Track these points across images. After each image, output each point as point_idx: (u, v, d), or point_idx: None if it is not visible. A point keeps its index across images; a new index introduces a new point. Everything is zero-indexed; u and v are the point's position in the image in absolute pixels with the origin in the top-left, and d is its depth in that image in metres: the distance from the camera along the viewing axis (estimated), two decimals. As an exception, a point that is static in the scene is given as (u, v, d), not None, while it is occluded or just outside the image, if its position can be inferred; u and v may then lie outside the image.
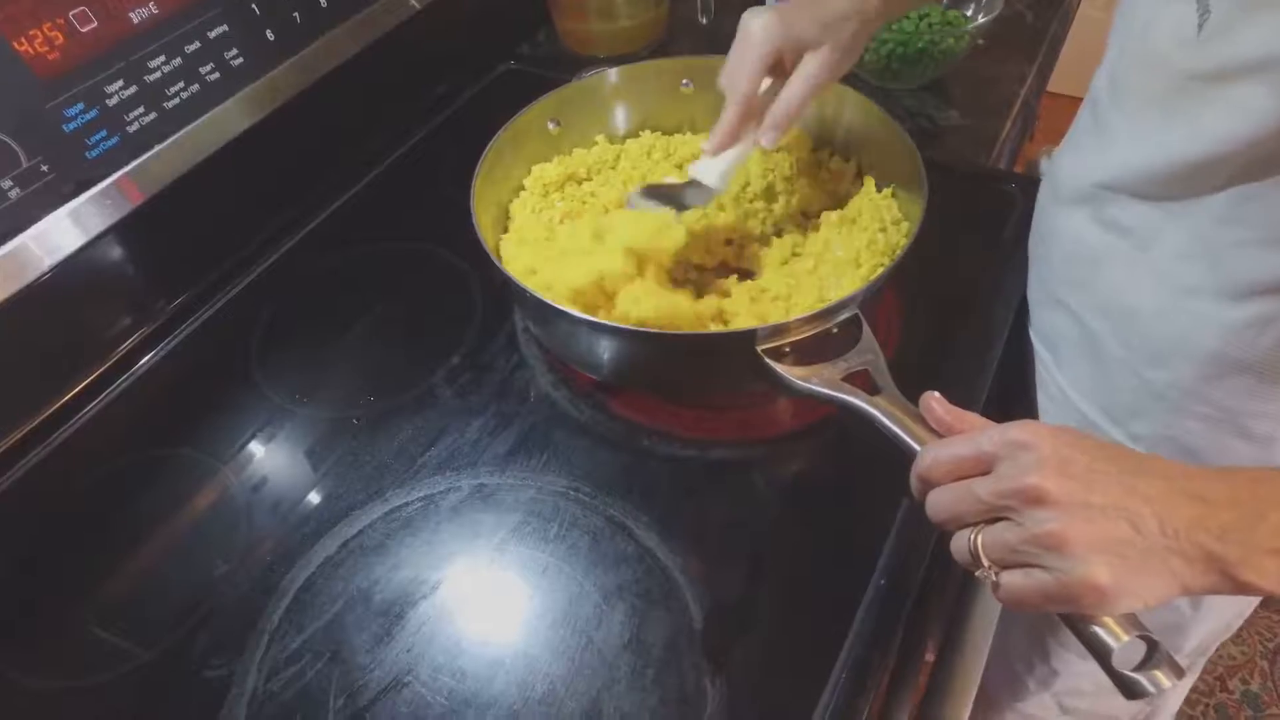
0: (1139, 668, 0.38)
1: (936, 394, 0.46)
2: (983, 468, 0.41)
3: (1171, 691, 0.99)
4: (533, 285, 0.60)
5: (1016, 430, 0.40)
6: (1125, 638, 0.37)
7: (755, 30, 0.61)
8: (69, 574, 0.62)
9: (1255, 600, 0.76)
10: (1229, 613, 0.75)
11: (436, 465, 0.65)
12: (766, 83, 0.63)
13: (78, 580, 0.61)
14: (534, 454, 0.65)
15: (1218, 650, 1.42)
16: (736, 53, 0.62)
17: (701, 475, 0.64)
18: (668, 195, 0.67)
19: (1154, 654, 0.37)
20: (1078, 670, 0.83)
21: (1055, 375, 0.69)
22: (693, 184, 0.65)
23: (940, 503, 0.42)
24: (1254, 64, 0.45)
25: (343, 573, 0.59)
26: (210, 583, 0.60)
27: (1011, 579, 0.40)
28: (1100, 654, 0.38)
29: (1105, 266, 0.61)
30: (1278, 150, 0.46)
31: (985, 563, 0.40)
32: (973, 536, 0.41)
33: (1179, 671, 0.38)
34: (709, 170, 0.64)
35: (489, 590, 0.58)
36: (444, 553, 0.60)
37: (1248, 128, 0.47)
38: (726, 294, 0.64)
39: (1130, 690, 0.38)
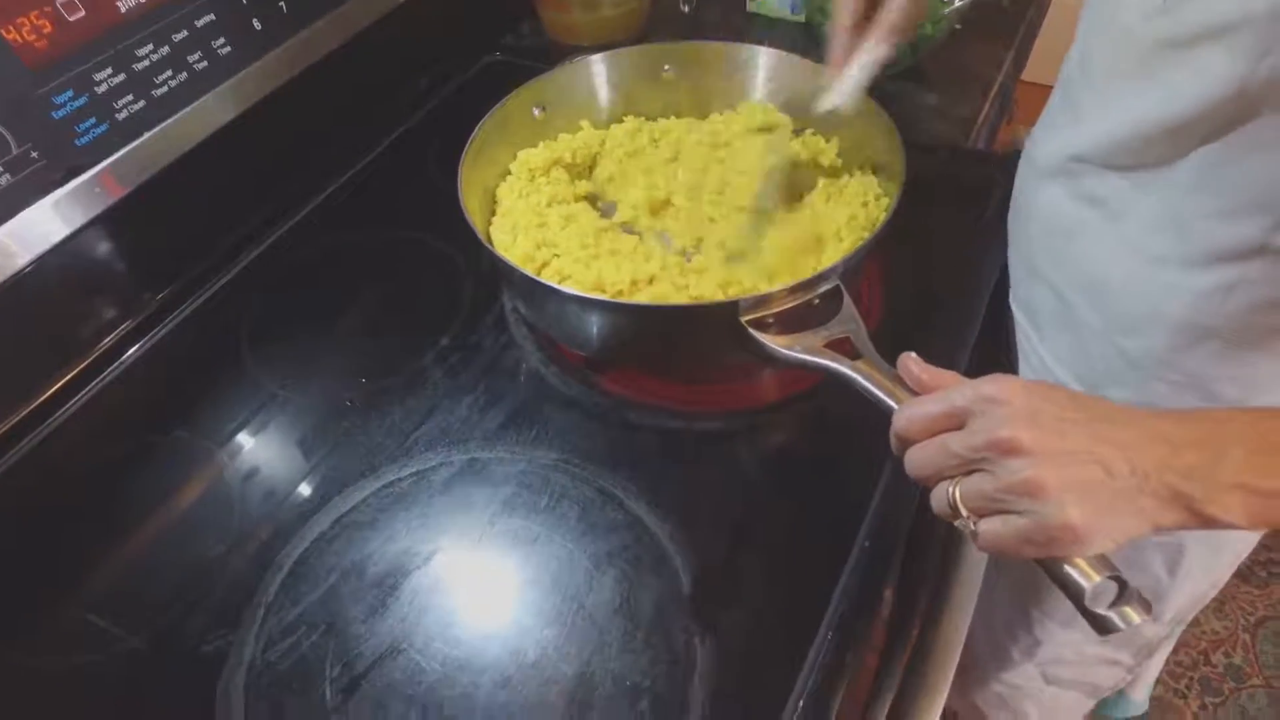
0: (1110, 606, 0.39)
1: (914, 355, 0.48)
2: (956, 423, 0.42)
3: (1150, 662, 1.00)
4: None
5: (988, 385, 0.42)
6: (1097, 578, 0.39)
7: None
8: (67, 558, 0.62)
9: (1230, 569, 0.78)
10: (1204, 582, 0.77)
11: (428, 442, 0.66)
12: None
13: (76, 564, 0.62)
14: (524, 429, 0.66)
15: (1201, 625, 1.44)
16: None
17: (689, 446, 0.65)
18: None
19: (1124, 592, 0.39)
20: (1061, 640, 0.85)
21: (1037, 347, 0.70)
22: (828, 111, 0.66)
23: (918, 459, 0.44)
24: (1215, 29, 0.47)
25: (337, 547, 0.60)
26: (207, 561, 0.61)
27: (990, 526, 0.41)
28: (1074, 594, 0.39)
29: (1079, 239, 0.62)
30: (1237, 113, 0.47)
31: (964, 513, 0.42)
32: (951, 489, 0.42)
33: (1147, 608, 0.39)
34: (837, 92, 0.65)
35: (481, 560, 0.59)
36: (437, 525, 0.61)
37: (1210, 91, 0.48)
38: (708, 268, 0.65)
39: (1102, 626, 0.39)
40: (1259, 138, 0.48)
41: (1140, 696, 1.20)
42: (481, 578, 0.58)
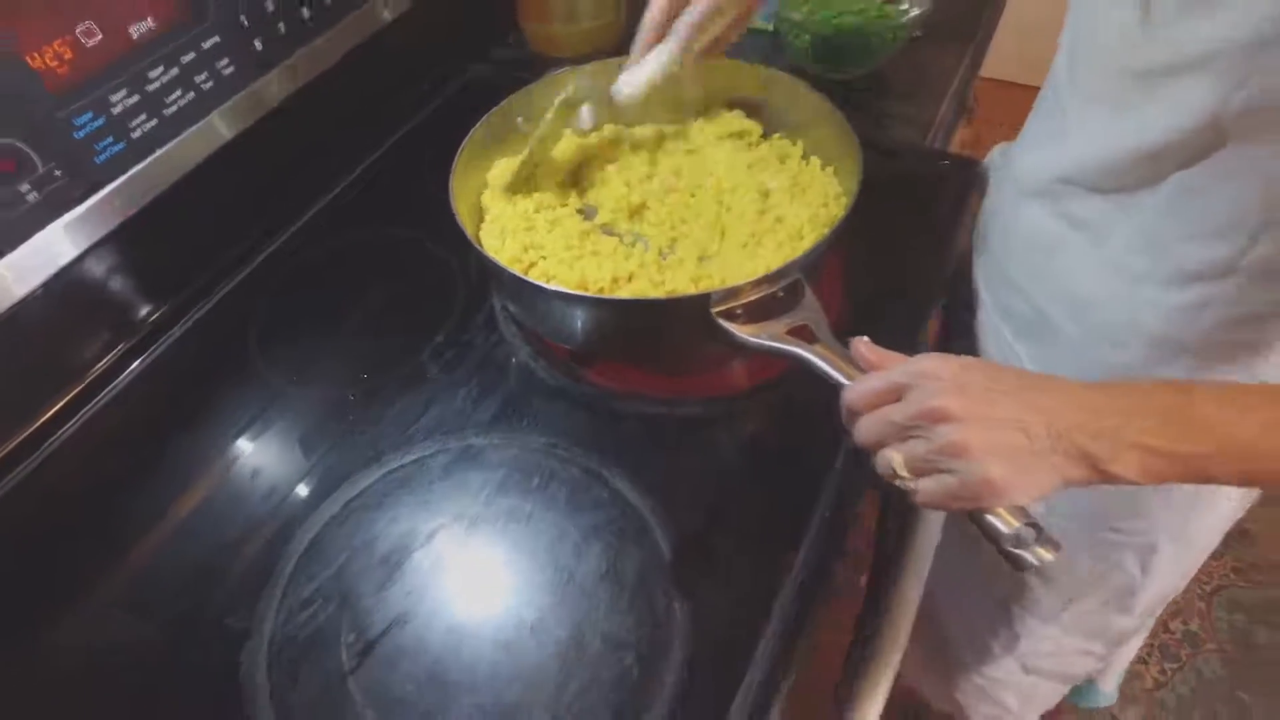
0: (1025, 547, 0.45)
1: (865, 339, 0.54)
2: (896, 396, 0.48)
3: (1120, 651, 1.05)
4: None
5: (923, 362, 0.47)
6: (1016, 524, 0.45)
7: None
8: (98, 549, 0.67)
9: (1197, 565, 0.83)
10: (1174, 577, 0.82)
11: (427, 431, 0.71)
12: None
13: (106, 556, 0.67)
14: (515, 418, 0.72)
15: (1160, 593, 1.51)
16: None
17: (668, 430, 0.71)
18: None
19: (1040, 536, 0.45)
20: (1040, 634, 0.89)
21: (1015, 346, 0.75)
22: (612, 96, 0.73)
23: (864, 428, 0.49)
24: (1192, 61, 0.50)
25: (347, 529, 0.66)
26: (227, 548, 0.66)
27: (925, 484, 0.47)
28: (995, 538, 0.45)
29: (1061, 255, 0.67)
30: (1209, 143, 0.52)
31: (904, 474, 0.48)
32: (892, 453, 0.48)
33: (1056, 546, 0.45)
34: (623, 82, 0.73)
35: (479, 537, 0.64)
36: (437, 506, 0.66)
37: (1184, 122, 0.52)
38: (682, 263, 0.70)
39: (1019, 565, 0.45)
40: (1229, 166, 0.52)
41: (1109, 687, 1.24)
42: (479, 552, 0.64)
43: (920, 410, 0.46)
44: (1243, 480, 0.48)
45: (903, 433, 0.47)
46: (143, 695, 0.60)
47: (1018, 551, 0.45)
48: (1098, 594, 0.81)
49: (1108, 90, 0.58)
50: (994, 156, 0.85)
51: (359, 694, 0.57)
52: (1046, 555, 0.45)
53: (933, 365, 0.47)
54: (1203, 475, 0.46)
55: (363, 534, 0.65)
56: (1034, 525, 0.45)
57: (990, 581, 0.89)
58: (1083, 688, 1.19)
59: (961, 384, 0.46)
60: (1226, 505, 0.75)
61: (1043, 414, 0.45)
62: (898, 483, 0.48)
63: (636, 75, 0.71)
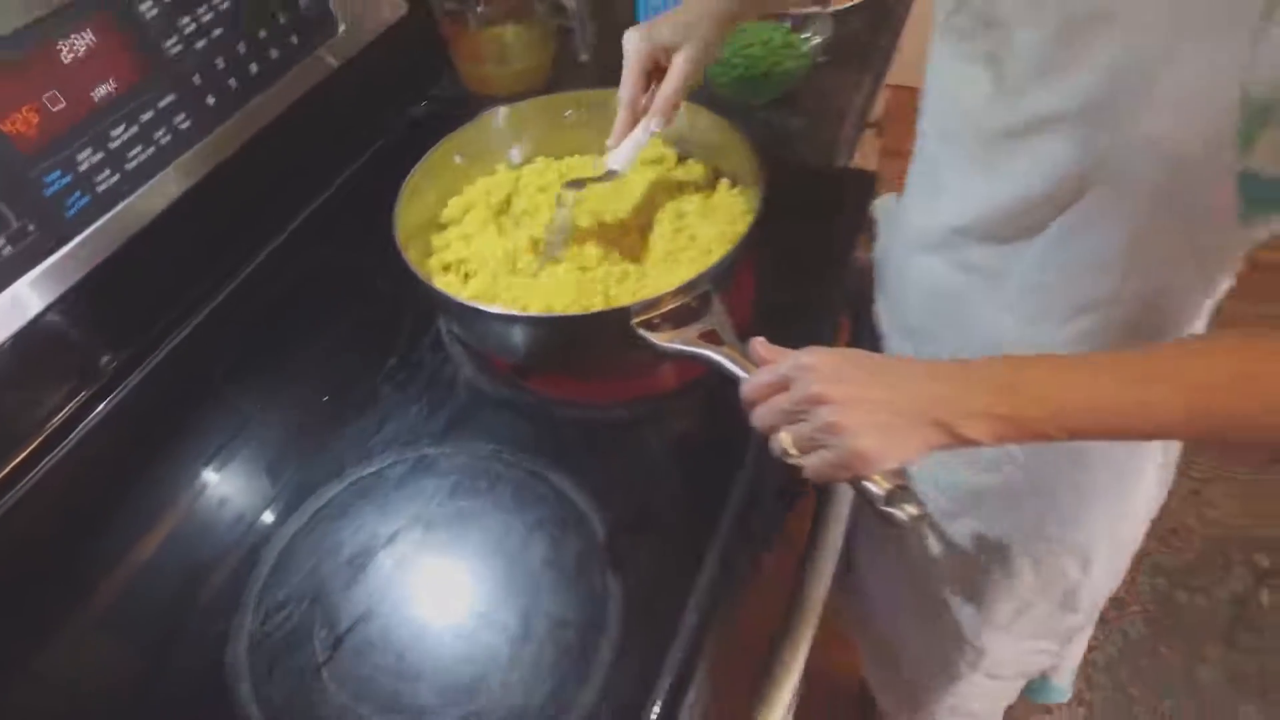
0: (896, 506, 0.53)
1: (761, 339, 0.61)
2: (785, 386, 0.56)
3: (1071, 648, 1.08)
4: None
5: (804, 355, 0.56)
6: (887, 485, 0.53)
7: (629, 45, 0.76)
8: (85, 568, 0.73)
9: (1128, 562, 0.87)
10: (1111, 573, 0.87)
11: (384, 445, 0.78)
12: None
13: (94, 576, 0.73)
14: (463, 429, 0.79)
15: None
16: (624, 66, 0.77)
17: (602, 431, 0.79)
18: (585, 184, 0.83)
19: (906, 495, 0.53)
20: (1002, 643, 0.93)
21: None
22: (607, 172, 0.80)
23: (759, 416, 0.57)
24: (1045, 121, 0.56)
25: (314, 537, 0.72)
26: (204, 563, 0.72)
27: (811, 460, 0.55)
28: (871, 500, 0.53)
29: (961, 303, 0.72)
30: (1077, 191, 0.57)
31: (793, 452, 0.56)
32: (783, 435, 0.56)
33: (920, 504, 0.53)
34: (614, 158, 0.79)
35: (434, 536, 0.71)
36: (395, 511, 0.73)
37: (1051, 173, 0.58)
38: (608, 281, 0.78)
39: (890, 521, 0.53)
40: (1097, 210, 0.57)
41: (1064, 682, 1.24)
42: (435, 550, 0.71)
43: (802, 397, 0.54)
44: (1070, 437, 0.55)
45: (790, 417, 0.55)
46: (132, 699, 0.66)
47: (889, 509, 0.53)
48: (1047, 598, 0.86)
49: (976, 151, 0.64)
50: (879, 206, 0.92)
51: (333, 682, 0.63)
52: (913, 510, 0.53)
53: (812, 358, 0.55)
54: (1040, 435, 0.54)
55: (329, 541, 0.72)
56: (903, 488, 0.53)
57: (948, 608, 0.93)
58: (1038, 684, 1.21)
59: (836, 372, 0.54)
60: (1145, 509, 0.82)
61: (906, 391, 0.53)
62: (789, 460, 0.56)
63: (625, 152, 0.79)
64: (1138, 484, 0.79)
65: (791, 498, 0.78)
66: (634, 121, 0.78)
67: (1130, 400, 0.53)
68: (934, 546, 0.89)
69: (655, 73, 0.78)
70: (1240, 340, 0.53)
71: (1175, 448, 0.82)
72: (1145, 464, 0.78)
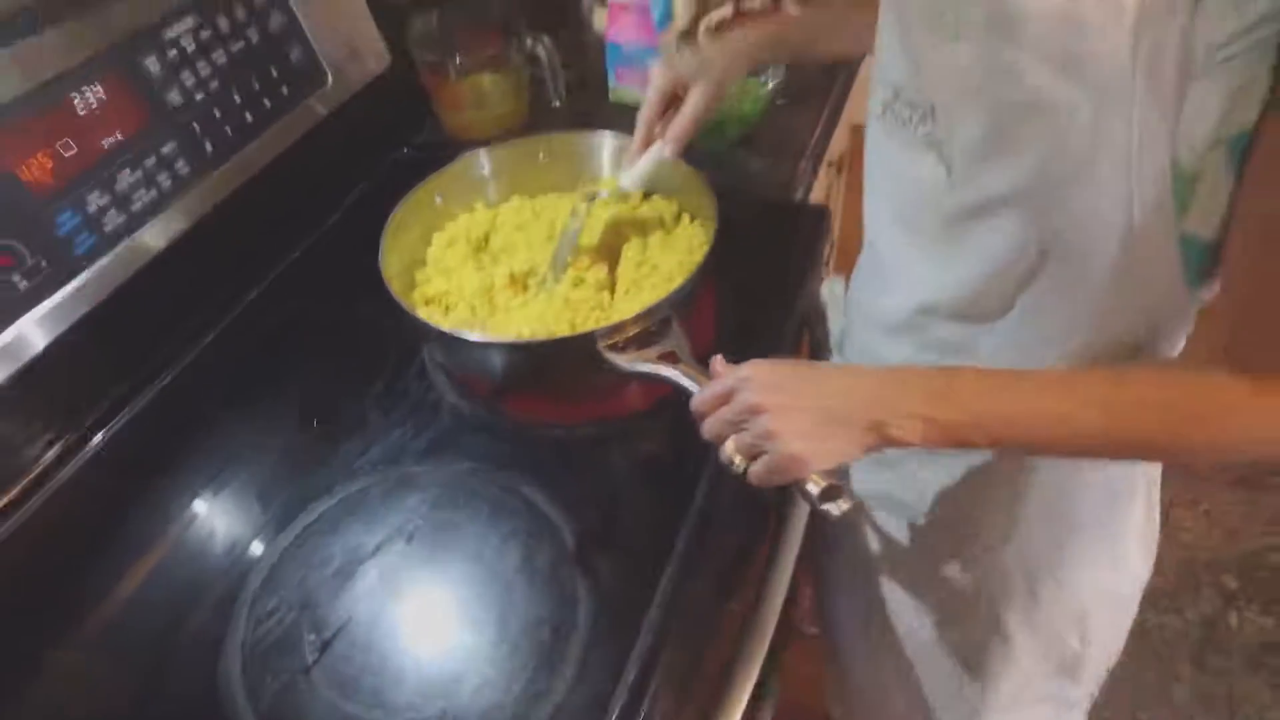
0: (830, 502, 0.59)
1: (719, 356, 0.67)
2: (728, 399, 0.62)
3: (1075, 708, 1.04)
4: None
5: (744, 369, 0.62)
6: (822, 484, 0.59)
7: (653, 75, 0.84)
8: (85, 584, 0.78)
9: (1125, 630, 0.88)
10: (1110, 644, 0.88)
11: (370, 465, 0.83)
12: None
13: (96, 589, 0.78)
14: (444, 449, 0.84)
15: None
16: (648, 92, 0.85)
17: (572, 449, 0.84)
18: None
19: (839, 492, 0.59)
20: (991, 703, 0.91)
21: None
22: (619, 189, 0.88)
23: (707, 427, 0.63)
24: (995, 200, 0.59)
25: (304, 550, 0.77)
26: (200, 577, 0.77)
27: (754, 467, 0.60)
28: (808, 498, 0.59)
29: None
30: (1036, 265, 0.60)
31: (737, 459, 0.61)
32: (729, 444, 0.62)
33: (852, 499, 0.59)
34: (626, 178, 0.88)
35: (415, 548, 0.76)
36: (380, 525, 0.78)
37: (1009, 249, 0.60)
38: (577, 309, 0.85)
39: (826, 516, 0.59)
40: (1058, 282, 0.60)
41: None
42: (416, 561, 0.76)
43: (742, 407, 0.60)
44: (994, 444, 0.59)
45: (733, 427, 0.61)
46: (131, 705, 0.71)
47: (824, 506, 0.59)
48: (1046, 667, 0.86)
49: (935, 232, 0.66)
50: (826, 292, 0.97)
51: (322, 682, 0.68)
52: (845, 505, 0.59)
53: (750, 370, 0.61)
54: (965, 440, 0.57)
55: (318, 553, 0.77)
56: (835, 486, 0.59)
57: (950, 691, 0.93)
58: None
59: (772, 382, 0.60)
60: (1137, 567, 0.83)
61: (838, 396, 0.59)
62: (734, 468, 0.62)
63: (637, 172, 0.87)
64: (1124, 532, 0.81)
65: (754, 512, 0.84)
66: (647, 142, 0.86)
67: (1050, 412, 0.57)
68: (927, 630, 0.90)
69: (674, 102, 0.85)
70: (1159, 371, 0.56)
71: (1156, 509, 0.84)
72: (1130, 514, 0.80)
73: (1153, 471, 0.80)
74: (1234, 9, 0.44)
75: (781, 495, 0.90)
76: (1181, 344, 0.66)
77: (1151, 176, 0.51)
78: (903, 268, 0.72)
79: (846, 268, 0.91)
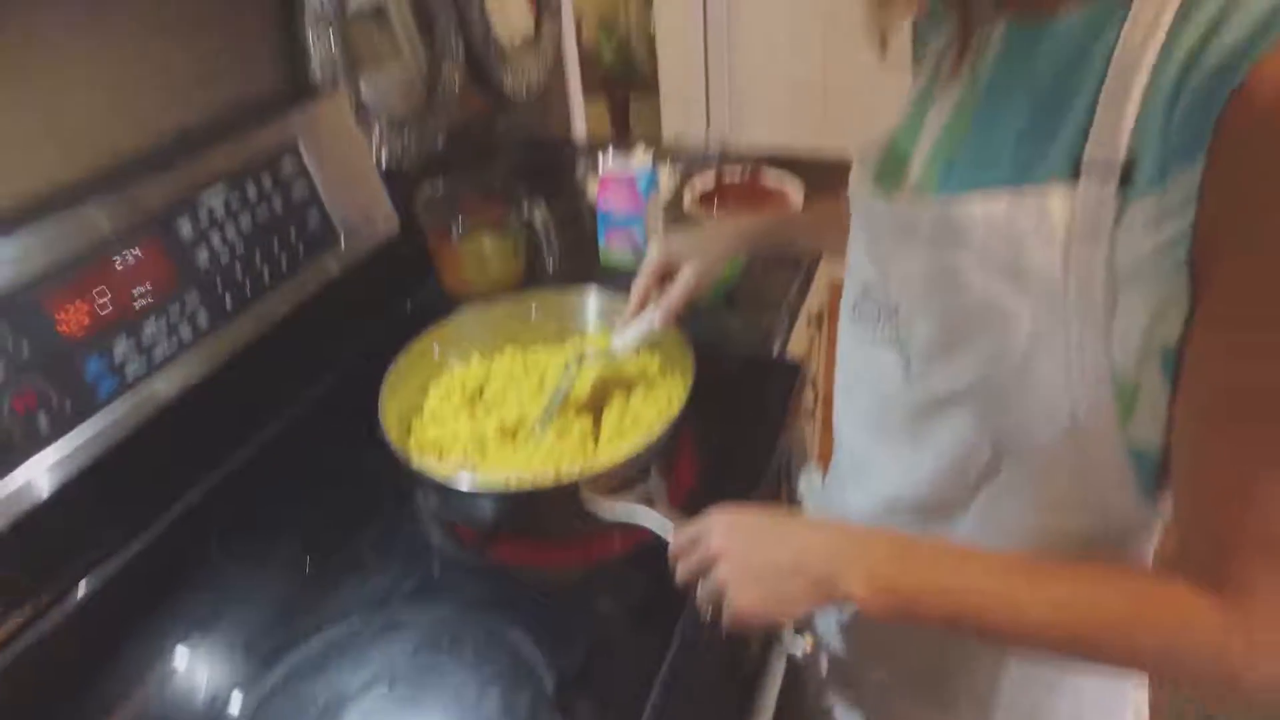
0: (795, 645, 0.62)
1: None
2: (693, 546, 0.67)
3: None
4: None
5: (709, 518, 0.66)
6: (794, 633, 0.62)
7: (649, 250, 0.93)
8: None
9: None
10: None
11: (359, 607, 0.86)
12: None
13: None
14: (432, 591, 0.88)
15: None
16: (641, 268, 0.93)
17: (555, 592, 0.88)
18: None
19: (802, 633, 0.62)
20: None
21: None
22: (610, 352, 0.96)
23: (679, 572, 0.68)
24: (950, 399, 0.60)
25: (290, 690, 0.79)
26: (189, 713, 0.79)
27: (722, 615, 0.64)
28: (778, 639, 0.63)
29: None
30: (992, 463, 0.60)
31: (706, 606, 0.65)
32: (699, 591, 0.66)
33: (814, 640, 0.62)
34: (618, 342, 0.95)
35: (400, 690, 0.78)
36: (364, 669, 0.80)
37: (963, 448, 0.61)
38: (561, 458, 0.90)
39: (791, 659, 0.62)
40: (1014, 481, 0.60)
41: None
42: (397, 706, 0.78)
43: (702, 557, 0.64)
44: (944, 622, 0.57)
45: (700, 574, 0.65)
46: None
47: (791, 651, 0.63)
48: None
49: (895, 429, 0.67)
50: (804, 484, 1.01)
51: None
52: (806, 645, 0.62)
53: (712, 519, 0.66)
54: (915, 610, 0.57)
55: (306, 692, 0.79)
56: (804, 630, 0.63)
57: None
58: None
59: (729, 531, 0.64)
60: None
61: (793, 548, 0.61)
62: (704, 615, 0.66)
63: (629, 336, 0.94)
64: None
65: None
66: (641, 306, 0.94)
67: (1004, 596, 0.55)
68: None
69: (667, 277, 0.94)
70: (1122, 574, 0.55)
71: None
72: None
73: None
74: (1152, 228, 0.47)
75: (765, 638, 0.93)
76: (1149, 548, 0.65)
77: (1090, 384, 0.52)
78: (868, 464, 0.73)
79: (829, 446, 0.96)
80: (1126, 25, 0.46)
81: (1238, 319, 0.46)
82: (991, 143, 0.56)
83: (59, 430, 0.83)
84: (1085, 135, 0.49)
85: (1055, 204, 0.50)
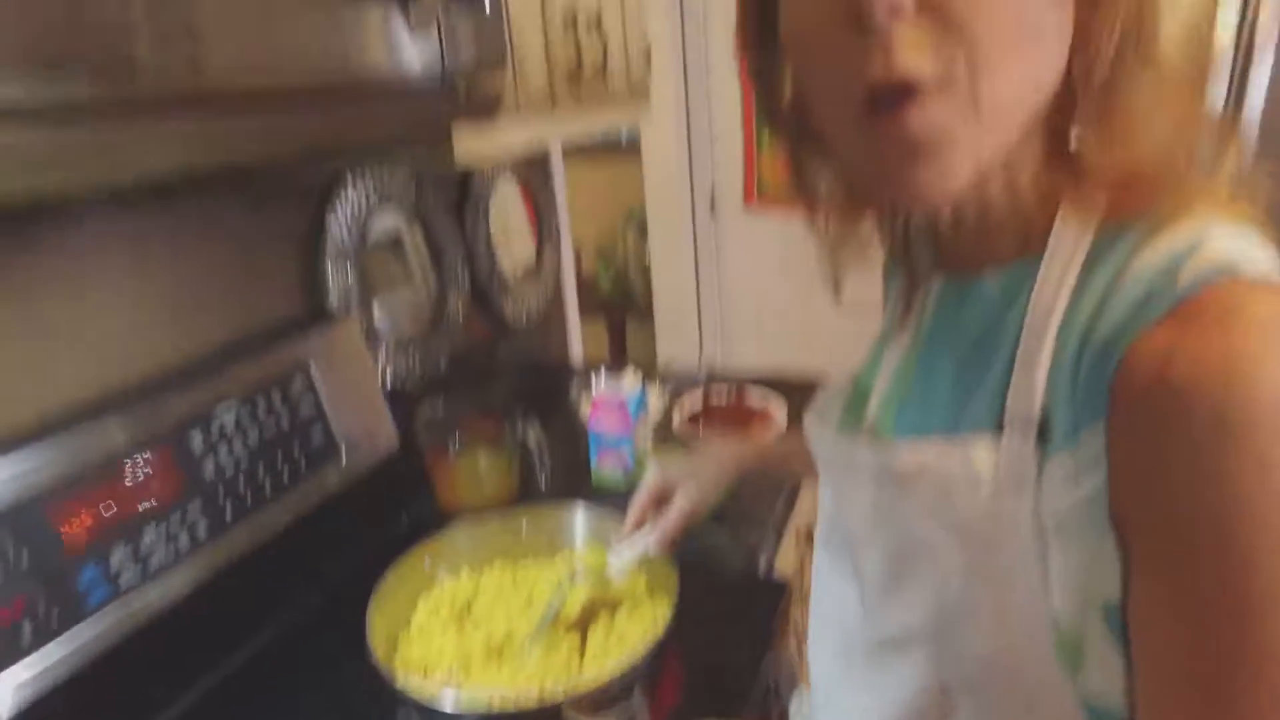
0: None
1: None
2: None
3: None
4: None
5: None
6: None
7: (647, 473, 0.98)
8: None
9: None
10: None
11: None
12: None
13: None
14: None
15: None
16: (638, 490, 0.97)
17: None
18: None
19: None
20: None
21: None
22: (605, 576, 0.98)
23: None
24: (899, 637, 0.59)
25: None
26: None
27: None
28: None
29: None
30: (948, 701, 0.59)
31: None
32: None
33: None
34: (612, 567, 0.98)
35: None
36: None
37: (918, 685, 0.59)
38: (546, 676, 0.90)
39: None
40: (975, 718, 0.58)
41: None
42: None
43: None
44: None
45: None
46: None
47: None
48: None
49: (856, 663, 0.66)
50: (793, 707, 1.00)
51: None
52: None
53: None
54: None
55: None
56: None
57: None
58: None
59: None
60: None
61: None
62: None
63: (623, 565, 0.98)
64: None
65: None
66: (637, 525, 0.98)
67: None
68: None
69: (663, 500, 0.98)
70: None
71: None
72: None
73: None
74: (1071, 483, 0.47)
75: None
76: None
77: (1029, 631, 0.52)
78: (837, 699, 0.72)
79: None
80: (1035, 291, 0.50)
81: (1168, 583, 0.44)
82: (933, 390, 0.60)
83: (40, 640, 0.83)
84: (1006, 391, 0.51)
85: (981, 455, 0.51)
